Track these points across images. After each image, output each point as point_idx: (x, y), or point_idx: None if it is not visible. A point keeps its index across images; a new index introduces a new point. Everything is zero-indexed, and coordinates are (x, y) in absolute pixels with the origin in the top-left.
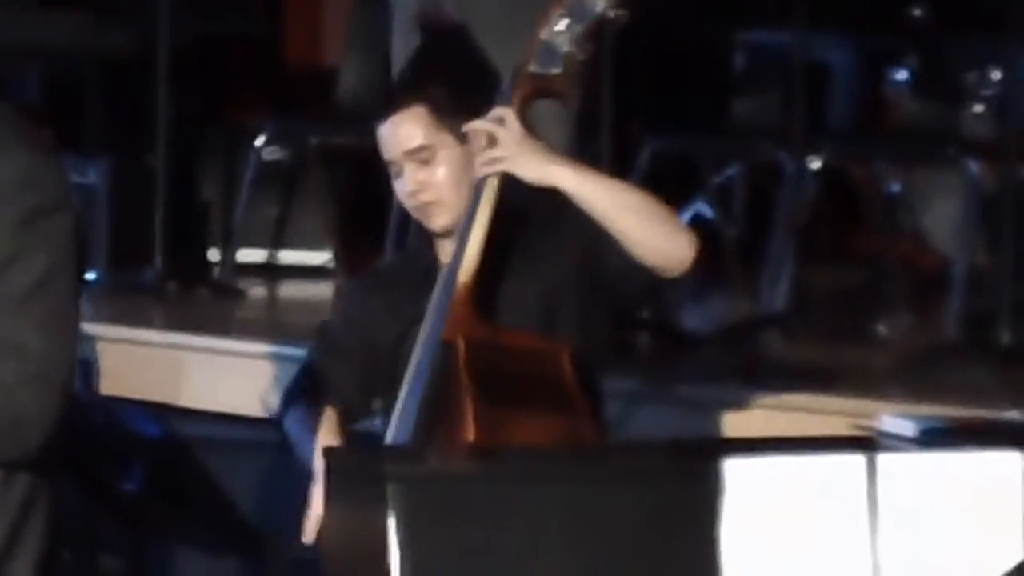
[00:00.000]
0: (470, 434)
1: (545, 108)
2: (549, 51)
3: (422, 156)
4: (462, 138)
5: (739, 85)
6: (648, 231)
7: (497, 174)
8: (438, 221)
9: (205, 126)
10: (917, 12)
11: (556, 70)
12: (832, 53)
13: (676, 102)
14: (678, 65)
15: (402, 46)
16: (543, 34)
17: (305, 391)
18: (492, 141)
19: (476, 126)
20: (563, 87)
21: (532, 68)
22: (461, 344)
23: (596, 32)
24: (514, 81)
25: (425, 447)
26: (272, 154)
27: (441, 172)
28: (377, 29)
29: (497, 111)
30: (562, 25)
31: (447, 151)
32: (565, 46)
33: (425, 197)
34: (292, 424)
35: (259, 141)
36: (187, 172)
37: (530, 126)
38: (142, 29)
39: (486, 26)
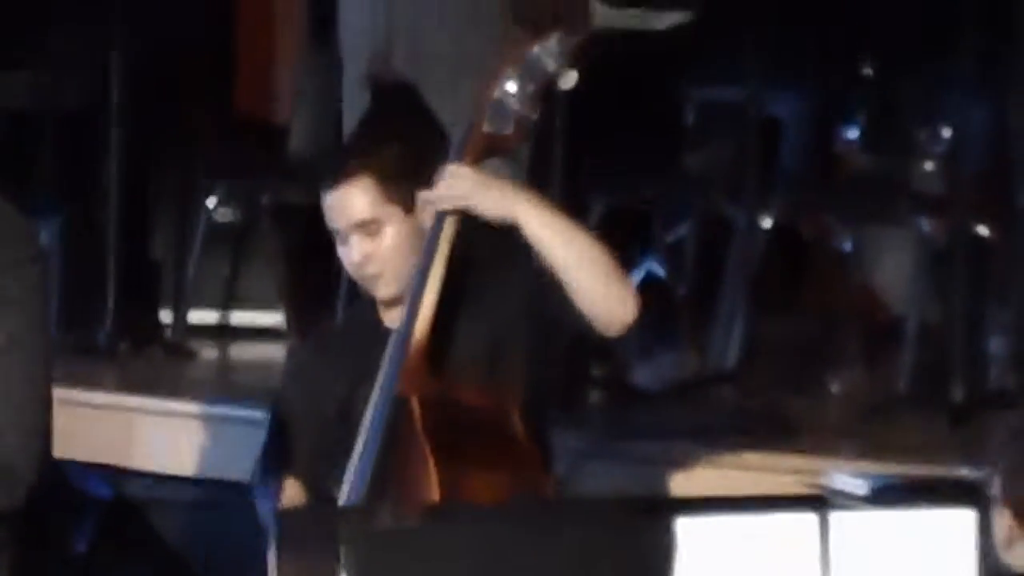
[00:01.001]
0: (433, 492)
1: (497, 162)
2: (501, 110)
3: (369, 228)
4: (409, 208)
5: (690, 140)
6: (597, 283)
7: (454, 221)
8: (383, 291)
9: (156, 184)
10: (867, 68)
11: (508, 130)
12: (783, 108)
13: (627, 157)
14: (629, 120)
15: (352, 103)
16: (495, 93)
17: (271, 466)
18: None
19: (427, 196)
20: (514, 146)
21: (485, 128)
22: (416, 401)
23: (548, 91)
24: (466, 139)
25: (379, 505)
26: (224, 215)
27: (387, 244)
28: (327, 85)
29: (450, 168)
30: (514, 85)
31: (394, 224)
32: (517, 105)
33: (371, 269)
34: (262, 503)
35: (211, 202)
36: (138, 232)
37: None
38: (96, 87)
39: (436, 83)
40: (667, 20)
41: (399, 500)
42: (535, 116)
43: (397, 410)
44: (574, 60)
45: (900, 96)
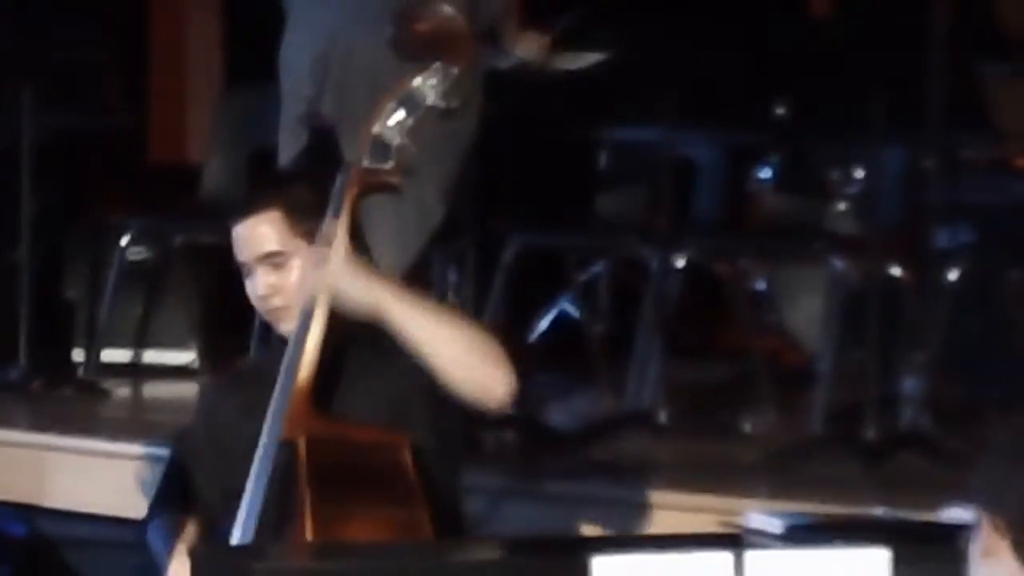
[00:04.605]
0: (307, 531)
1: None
2: (381, 145)
3: (275, 261)
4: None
5: (604, 181)
6: (462, 366)
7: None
8: (287, 325)
9: (69, 223)
10: (781, 110)
11: (388, 164)
12: (697, 150)
13: (541, 198)
14: (543, 161)
15: (289, 144)
16: (375, 128)
17: (167, 502)
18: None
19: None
20: (395, 180)
21: (365, 163)
22: (302, 442)
23: (427, 124)
24: (346, 178)
25: (269, 544)
26: (137, 254)
27: (293, 277)
28: (241, 126)
29: (328, 229)
30: (394, 118)
31: (300, 257)
32: (397, 139)
33: (276, 302)
34: (154, 536)
35: (124, 241)
36: (51, 270)
37: (362, 235)
38: (7, 124)
39: (359, 126)
40: (583, 61)
41: (289, 539)
42: (414, 149)
43: (283, 450)
44: (454, 92)
45: (813, 137)
